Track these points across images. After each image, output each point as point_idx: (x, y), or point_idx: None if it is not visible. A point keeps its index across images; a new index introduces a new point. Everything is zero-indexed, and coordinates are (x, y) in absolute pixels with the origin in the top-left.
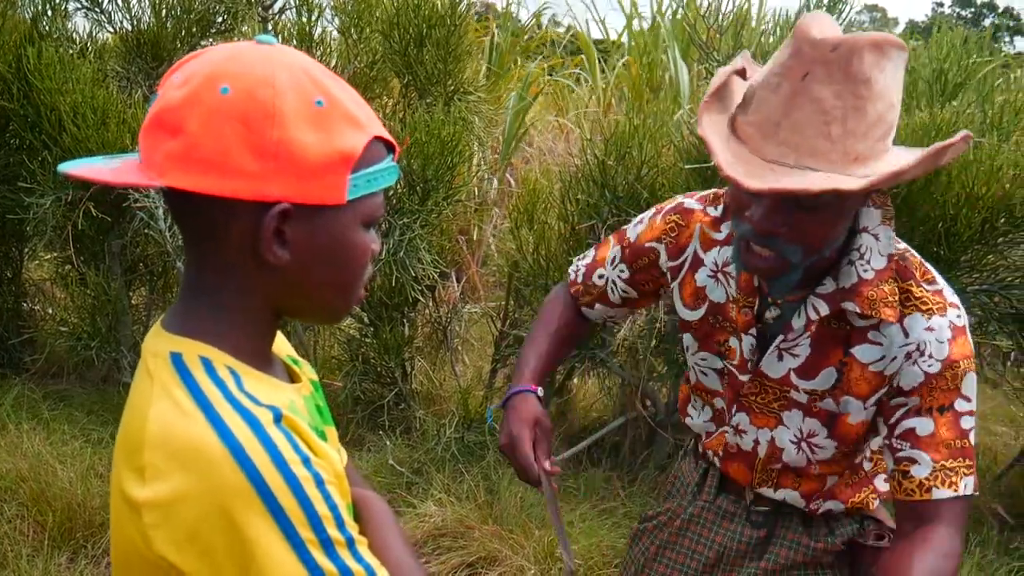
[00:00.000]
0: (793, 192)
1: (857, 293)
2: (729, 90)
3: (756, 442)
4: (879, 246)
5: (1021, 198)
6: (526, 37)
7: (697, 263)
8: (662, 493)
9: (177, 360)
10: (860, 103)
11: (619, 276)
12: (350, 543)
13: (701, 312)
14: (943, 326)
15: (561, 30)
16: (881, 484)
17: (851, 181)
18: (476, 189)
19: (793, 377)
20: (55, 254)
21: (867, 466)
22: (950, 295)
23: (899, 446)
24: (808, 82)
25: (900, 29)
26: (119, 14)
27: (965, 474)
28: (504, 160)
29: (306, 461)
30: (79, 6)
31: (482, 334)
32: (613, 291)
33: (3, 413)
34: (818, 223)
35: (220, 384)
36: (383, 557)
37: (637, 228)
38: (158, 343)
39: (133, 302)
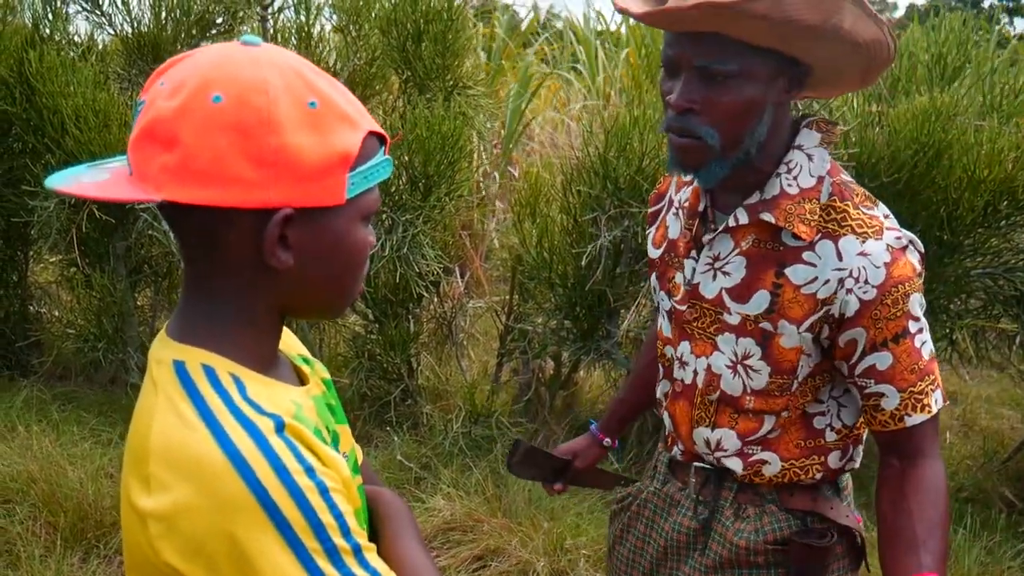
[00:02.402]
0: (666, 10)
1: (776, 205)
2: None
3: (695, 372)
4: (811, 166)
5: (1023, 180)
6: (523, 26)
7: (671, 205)
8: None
9: (180, 369)
10: None
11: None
12: (356, 551)
13: (661, 250)
14: (879, 250)
15: (559, 24)
16: (835, 462)
17: None
18: (478, 184)
19: (726, 298)
20: (60, 257)
21: (830, 436)
22: (888, 221)
23: (864, 384)
24: None
25: (901, 13)
26: (119, 16)
27: (932, 391)
28: (505, 154)
29: (309, 470)
30: (79, 9)
31: (487, 328)
32: None
33: (13, 415)
34: (729, 99)
35: (223, 393)
36: (396, 556)
37: None
38: (162, 351)
39: (138, 303)
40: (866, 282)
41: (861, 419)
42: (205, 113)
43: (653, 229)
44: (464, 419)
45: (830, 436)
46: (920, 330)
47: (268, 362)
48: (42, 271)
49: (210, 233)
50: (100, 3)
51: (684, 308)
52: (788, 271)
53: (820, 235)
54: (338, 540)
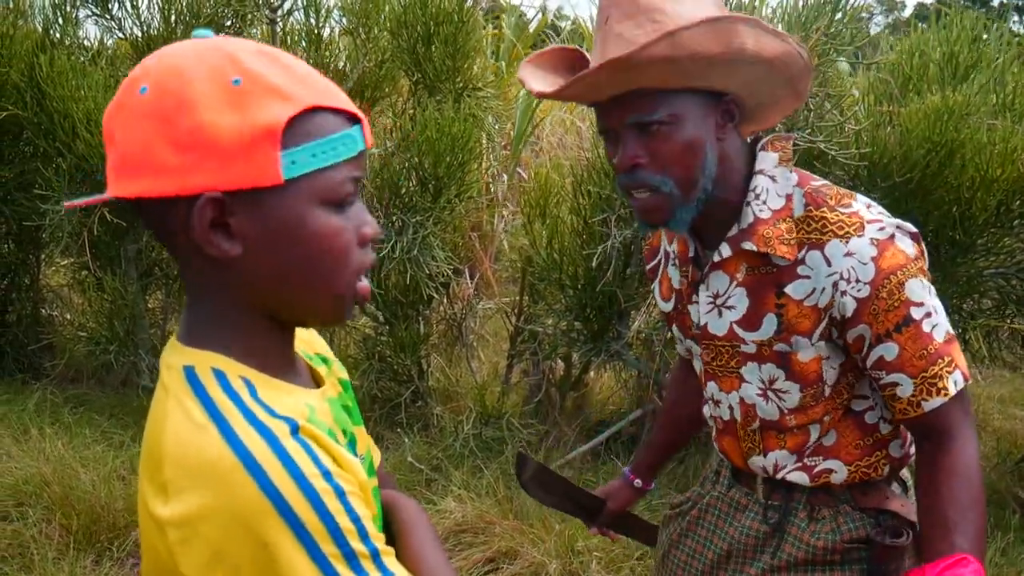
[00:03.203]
0: (581, 79)
1: (753, 232)
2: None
3: (730, 408)
4: (776, 187)
5: None
6: (531, 27)
7: (667, 257)
8: (698, 480)
9: (190, 374)
10: (659, 27)
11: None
12: (375, 555)
13: (672, 302)
14: (862, 246)
15: (565, 24)
16: (896, 451)
17: (640, 38)
18: (487, 185)
19: (738, 330)
20: (72, 260)
21: (884, 428)
22: (868, 213)
23: (877, 375)
24: (610, 23)
25: (908, 12)
26: (129, 20)
27: (948, 373)
28: (515, 155)
29: (326, 474)
30: (89, 13)
31: (497, 330)
32: None
33: (26, 418)
34: (668, 146)
35: (234, 397)
36: (414, 560)
37: None
38: (172, 356)
39: (150, 306)
40: (858, 281)
41: None
42: (132, 106)
43: (657, 284)
44: (475, 420)
45: (884, 428)
46: (927, 314)
47: (278, 362)
48: (54, 274)
49: (161, 227)
50: (110, 7)
51: (701, 350)
52: (788, 289)
53: (805, 248)
54: (356, 544)
